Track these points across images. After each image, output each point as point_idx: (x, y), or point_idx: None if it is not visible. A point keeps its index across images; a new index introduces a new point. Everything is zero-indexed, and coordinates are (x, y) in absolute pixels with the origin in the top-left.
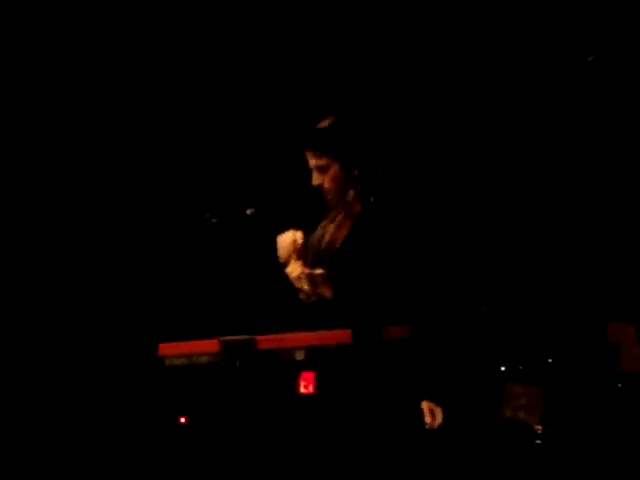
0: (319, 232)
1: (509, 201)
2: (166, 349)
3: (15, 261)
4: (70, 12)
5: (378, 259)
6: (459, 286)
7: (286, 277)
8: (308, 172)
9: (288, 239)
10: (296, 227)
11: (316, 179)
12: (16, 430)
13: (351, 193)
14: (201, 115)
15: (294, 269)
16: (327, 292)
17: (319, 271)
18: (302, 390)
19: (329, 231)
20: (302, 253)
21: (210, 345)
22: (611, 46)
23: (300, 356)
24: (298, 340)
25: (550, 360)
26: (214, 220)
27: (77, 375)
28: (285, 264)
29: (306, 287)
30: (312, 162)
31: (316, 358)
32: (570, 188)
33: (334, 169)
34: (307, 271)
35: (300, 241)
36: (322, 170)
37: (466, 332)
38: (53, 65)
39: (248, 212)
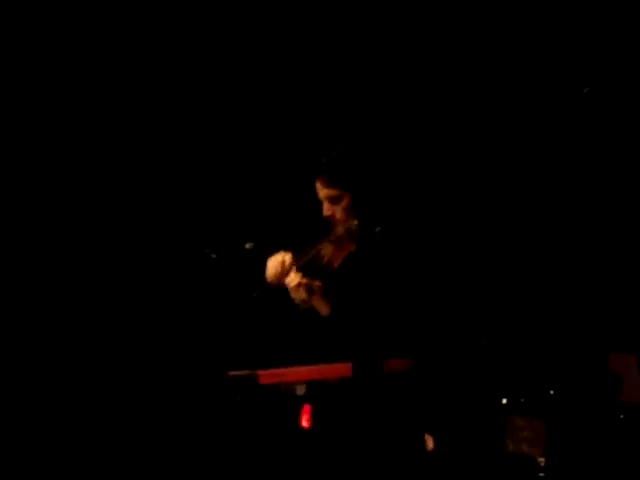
0: (318, 249)
1: (510, 233)
2: None
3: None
4: (70, 12)
5: (378, 289)
6: (460, 319)
7: (271, 298)
8: (308, 203)
9: (277, 260)
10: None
11: (327, 210)
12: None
13: (355, 222)
14: (203, 150)
15: (293, 278)
16: (323, 307)
17: (317, 283)
18: (304, 424)
19: (329, 250)
20: (289, 272)
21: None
22: (606, 78)
23: (301, 391)
24: (299, 375)
25: (552, 392)
26: (214, 255)
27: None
28: (271, 285)
29: (304, 296)
30: (323, 193)
31: (317, 392)
32: (570, 220)
33: (346, 200)
34: (305, 281)
35: (288, 262)
36: (334, 201)
37: (467, 365)
38: (53, 65)
39: (247, 246)
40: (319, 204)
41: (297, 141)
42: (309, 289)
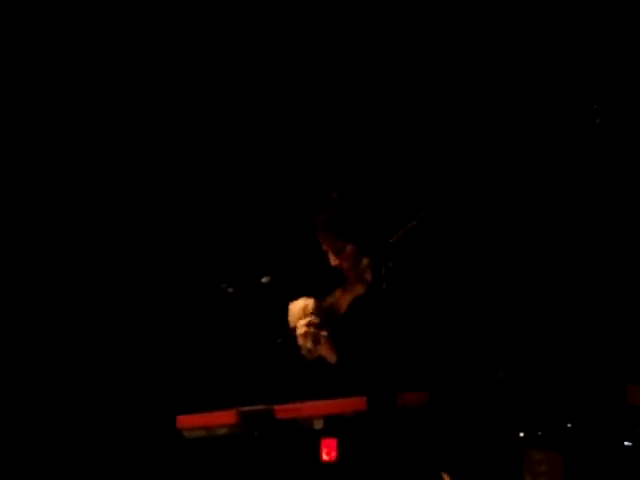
0: (335, 300)
1: (525, 265)
2: (184, 421)
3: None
4: (70, 12)
5: (392, 324)
6: (475, 352)
7: (296, 342)
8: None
9: (298, 305)
10: (310, 294)
11: (334, 260)
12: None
13: (364, 261)
14: (215, 184)
15: (300, 328)
16: (329, 354)
17: (324, 332)
18: (324, 457)
19: (337, 295)
20: (313, 318)
21: (228, 416)
22: (618, 108)
23: (319, 425)
24: (316, 409)
25: (569, 425)
26: (230, 290)
27: (95, 445)
28: (294, 330)
29: (309, 345)
30: (325, 247)
31: (334, 426)
32: (584, 250)
33: (349, 249)
34: (312, 330)
35: (310, 308)
36: (337, 252)
37: (483, 398)
38: (53, 65)
39: (264, 280)
40: None
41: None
42: (315, 339)
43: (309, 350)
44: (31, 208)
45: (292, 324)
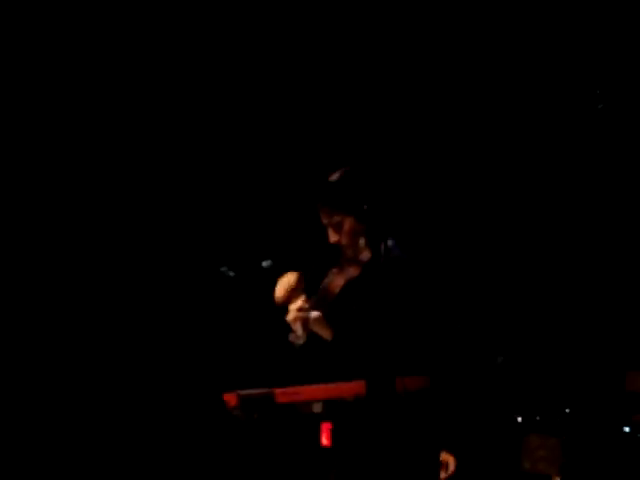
0: (328, 282)
1: (526, 250)
2: None
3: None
4: (70, 12)
5: (391, 307)
6: (475, 336)
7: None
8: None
9: (283, 282)
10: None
11: (332, 236)
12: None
13: (362, 240)
14: (217, 167)
15: (290, 312)
16: (323, 332)
17: (315, 314)
18: (324, 442)
19: (331, 276)
20: (298, 294)
21: (228, 399)
22: (620, 94)
23: (318, 409)
24: (315, 393)
25: (568, 410)
26: (231, 273)
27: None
28: (279, 305)
29: (299, 330)
30: (325, 220)
31: (334, 410)
32: (585, 238)
33: (348, 224)
34: (302, 314)
35: (294, 282)
36: (337, 227)
37: (483, 383)
38: (53, 65)
39: (264, 264)
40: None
41: (308, 159)
42: (305, 323)
43: (297, 336)
44: (31, 208)
45: (277, 300)
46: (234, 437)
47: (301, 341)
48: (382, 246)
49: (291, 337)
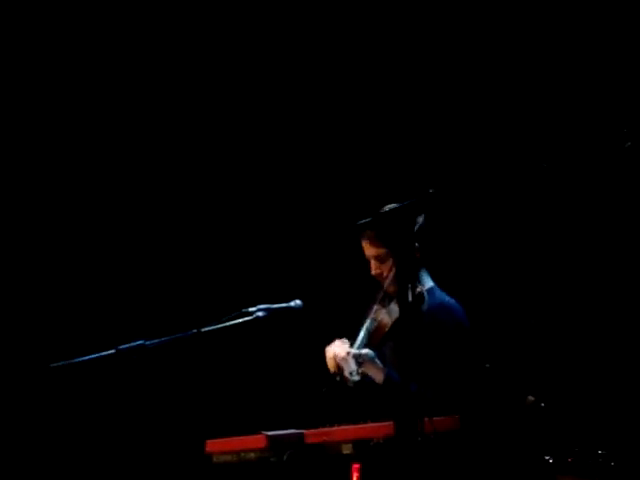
0: (372, 315)
1: (561, 294)
2: (213, 446)
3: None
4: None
5: (421, 348)
6: (505, 376)
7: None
8: (354, 261)
9: (330, 353)
10: (342, 325)
11: (376, 268)
12: None
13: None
14: (248, 203)
15: (341, 350)
16: (375, 373)
17: (365, 351)
18: None
19: (379, 314)
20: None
21: (257, 441)
22: None
23: (347, 450)
24: (345, 434)
25: (600, 452)
26: (261, 314)
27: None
28: (334, 374)
29: (353, 367)
30: (370, 252)
31: (363, 451)
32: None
33: (393, 257)
34: (354, 351)
35: (343, 354)
36: (381, 260)
37: (513, 423)
38: (53, 65)
39: (293, 305)
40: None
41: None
42: (357, 360)
43: (351, 372)
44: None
45: (331, 369)
46: (264, 478)
47: (357, 378)
48: (410, 285)
49: (346, 373)
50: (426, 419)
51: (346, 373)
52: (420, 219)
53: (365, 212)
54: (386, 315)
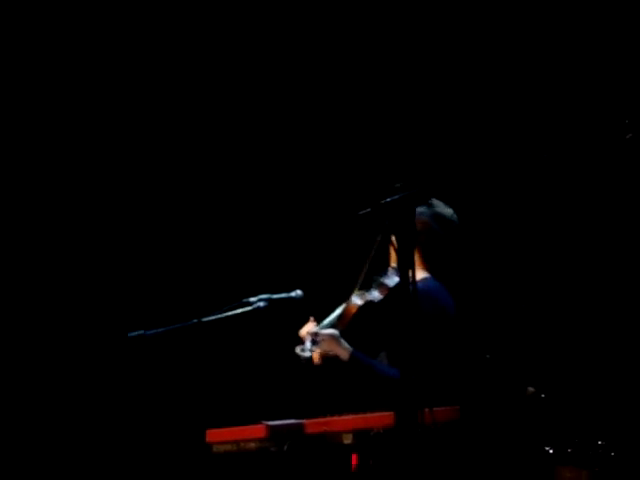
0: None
1: (561, 285)
2: (214, 436)
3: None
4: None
5: (420, 336)
6: (505, 367)
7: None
8: (354, 252)
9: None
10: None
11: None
12: None
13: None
14: (251, 196)
15: (304, 329)
16: (341, 352)
17: (327, 330)
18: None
19: (353, 298)
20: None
21: (257, 430)
22: None
23: (348, 440)
24: (345, 424)
25: (600, 442)
26: (261, 304)
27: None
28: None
29: (308, 345)
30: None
31: (364, 441)
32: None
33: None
34: (312, 330)
35: (304, 332)
36: None
37: (513, 414)
38: (53, 65)
39: (294, 295)
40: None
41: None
42: (313, 338)
43: (302, 349)
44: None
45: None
46: (264, 468)
47: (307, 355)
48: (410, 273)
49: (297, 349)
50: (426, 409)
51: (297, 350)
52: (421, 209)
53: (366, 203)
54: (358, 299)
